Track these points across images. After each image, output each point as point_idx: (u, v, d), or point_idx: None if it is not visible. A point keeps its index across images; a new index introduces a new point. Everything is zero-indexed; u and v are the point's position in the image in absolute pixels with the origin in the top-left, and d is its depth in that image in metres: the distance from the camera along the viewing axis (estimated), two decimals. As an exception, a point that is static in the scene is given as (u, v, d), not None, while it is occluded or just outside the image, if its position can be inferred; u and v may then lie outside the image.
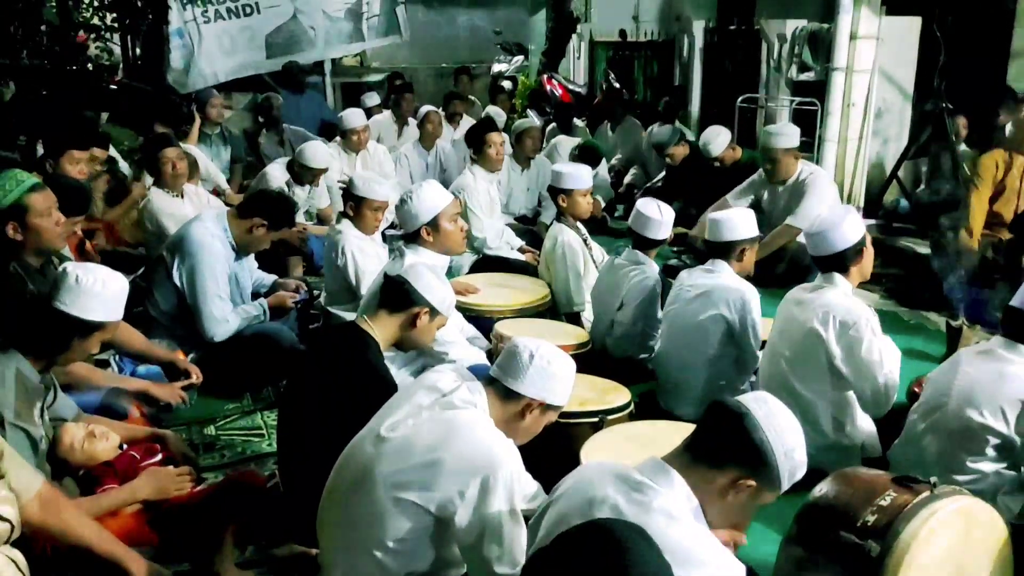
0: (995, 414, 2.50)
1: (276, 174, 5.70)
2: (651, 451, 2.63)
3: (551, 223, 4.60)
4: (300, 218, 5.68)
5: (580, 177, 4.39)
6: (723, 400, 1.81)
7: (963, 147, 6.22)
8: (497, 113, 8.14)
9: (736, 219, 3.52)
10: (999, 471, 2.55)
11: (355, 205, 4.08)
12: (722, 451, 1.72)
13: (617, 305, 3.94)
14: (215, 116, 6.92)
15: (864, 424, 3.14)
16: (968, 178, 5.41)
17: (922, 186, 6.35)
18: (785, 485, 1.76)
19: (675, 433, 2.78)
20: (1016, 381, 2.50)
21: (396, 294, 2.68)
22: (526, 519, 2.01)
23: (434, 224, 3.48)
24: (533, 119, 7.40)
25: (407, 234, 3.54)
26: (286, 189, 5.55)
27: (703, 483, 1.71)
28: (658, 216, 3.85)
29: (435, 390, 2.17)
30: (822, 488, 2.15)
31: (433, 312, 2.69)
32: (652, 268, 3.93)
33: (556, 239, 4.37)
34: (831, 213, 3.21)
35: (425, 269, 2.76)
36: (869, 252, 3.10)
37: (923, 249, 5.68)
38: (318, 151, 5.70)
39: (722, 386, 3.49)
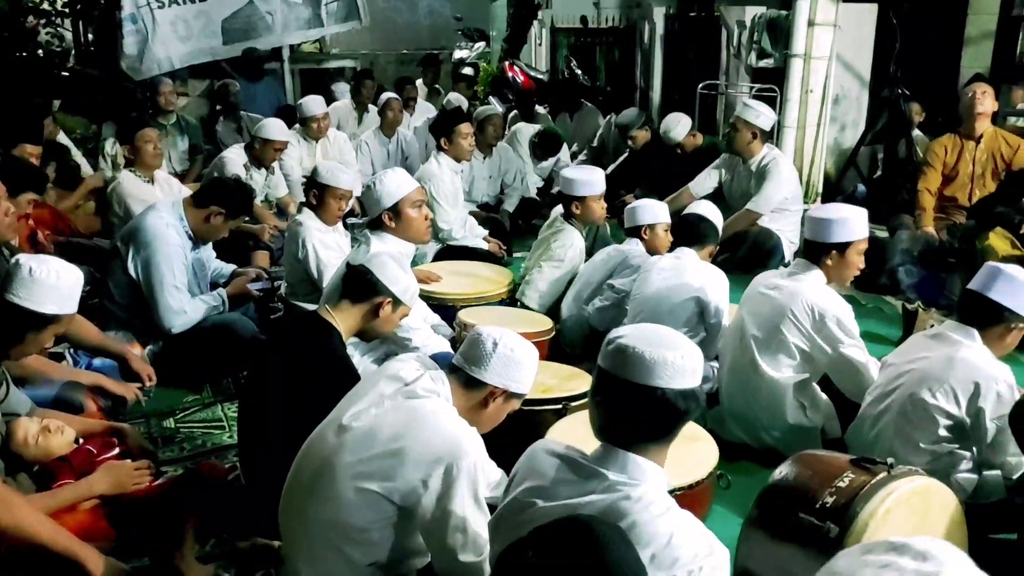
0: (947, 396, 2.55)
1: (233, 158, 5.62)
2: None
3: (556, 220, 4.46)
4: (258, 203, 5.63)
5: (593, 183, 4.29)
6: (619, 378, 1.65)
7: (917, 133, 6.32)
8: (458, 100, 8.10)
9: (712, 212, 3.78)
10: (952, 451, 2.60)
11: (318, 193, 4.02)
12: (663, 429, 1.67)
13: (610, 273, 4.00)
14: (164, 104, 6.75)
15: (824, 406, 3.19)
16: (921, 163, 5.51)
17: (879, 172, 6.44)
18: None
19: (638, 418, 2.81)
20: (967, 364, 2.54)
21: (359, 284, 2.65)
22: (491, 507, 2.01)
23: (395, 210, 3.45)
24: (495, 106, 7.37)
25: (371, 221, 3.51)
26: (244, 173, 5.48)
27: (658, 456, 1.68)
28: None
29: (398, 379, 2.15)
30: (782, 471, 2.18)
31: (396, 302, 2.67)
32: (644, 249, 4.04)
33: (567, 245, 4.27)
34: (843, 206, 3.18)
35: (388, 258, 2.73)
36: (851, 260, 3.07)
37: (881, 234, 5.76)
38: (277, 124, 5.63)
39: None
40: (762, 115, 5.30)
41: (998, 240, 4.41)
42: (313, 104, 6.40)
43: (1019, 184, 4.56)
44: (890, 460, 2.11)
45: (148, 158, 4.68)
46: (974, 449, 2.62)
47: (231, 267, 4.29)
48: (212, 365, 3.81)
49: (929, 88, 6.52)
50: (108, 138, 6.20)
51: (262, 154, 5.59)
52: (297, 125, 6.47)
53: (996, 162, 5.00)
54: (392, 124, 7.00)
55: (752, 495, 2.23)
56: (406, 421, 2.04)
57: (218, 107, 7.51)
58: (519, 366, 2.16)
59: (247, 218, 5.19)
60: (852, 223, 3.06)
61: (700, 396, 1.67)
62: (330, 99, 8.10)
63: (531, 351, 2.20)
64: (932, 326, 3.43)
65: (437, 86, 9.65)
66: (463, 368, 2.16)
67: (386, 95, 7.18)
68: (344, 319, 2.64)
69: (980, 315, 2.59)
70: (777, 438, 3.15)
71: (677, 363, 1.63)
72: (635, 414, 1.64)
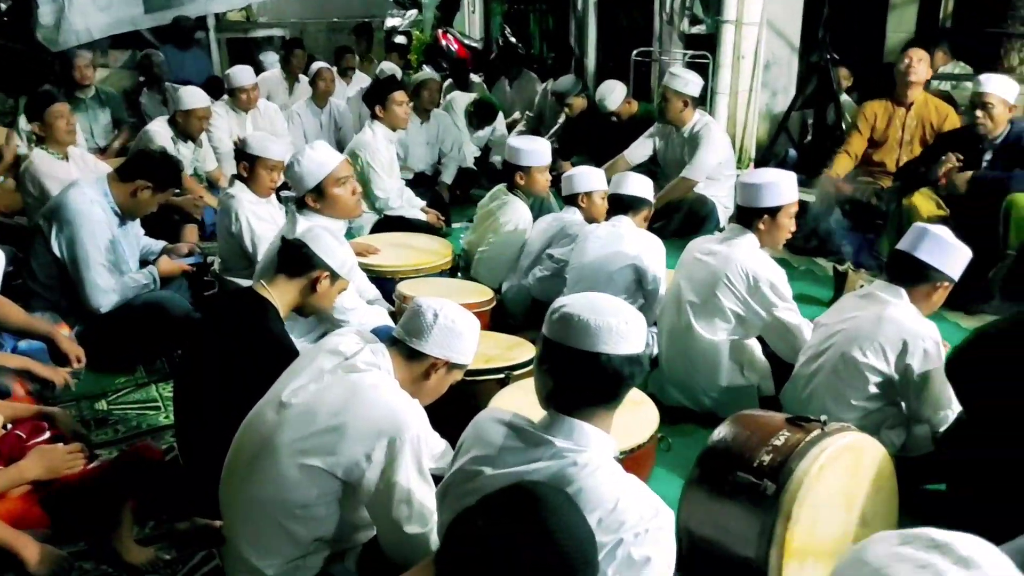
0: (877, 354, 2.63)
1: (159, 130, 5.44)
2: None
3: (499, 192, 4.41)
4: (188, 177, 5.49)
5: (539, 153, 4.25)
6: (565, 346, 1.65)
7: (845, 98, 6.45)
8: (392, 68, 7.97)
9: (639, 179, 3.74)
10: (882, 407, 2.69)
11: (249, 165, 3.92)
12: (609, 395, 1.68)
13: (549, 243, 4.02)
14: (79, 78, 6.41)
15: (761, 365, 3.25)
16: (849, 127, 5.63)
17: (809, 137, 6.56)
18: None
19: (579, 385, 2.84)
20: (895, 322, 2.62)
21: (295, 258, 2.61)
22: (435, 479, 2.01)
23: (319, 190, 3.34)
24: (431, 74, 7.24)
25: (296, 200, 3.43)
26: (171, 146, 5.33)
27: (604, 422, 1.70)
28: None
29: (337, 353, 2.13)
30: (720, 432, 2.22)
31: (334, 276, 2.64)
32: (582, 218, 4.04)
33: (514, 217, 4.23)
34: (771, 171, 3.26)
35: (324, 232, 2.69)
36: (782, 223, 3.11)
37: (812, 198, 5.87)
38: (194, 92, 5.47)
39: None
40: (690, 83, 5.37)
41: (923, 200, 4.54)
42: (242, 74, 6.22)
43: (945, 147, 4.67)
44: (823, 418, 2.16)
45: (60, 134, 4.47)
46: (903, 404, 2.72)
47: (161, 243, 4.17)
48: (144, 345, 3.71)
49: (856, 53, 6.64)
50: (24, 113, 5.95)
51: (187, 126, 5.42)
52: (225, 96, 6.29)
53: (925, 129, 5.09)
54: (324, 94, 6.86)
55: (692, 456, 2.27)
56: (347, 396, 2.02)
57: (142, 79, 7.25)
58: (460, 337, 2.16)
59: (175, 191, 5.06)
60: (782, 187, 3.11)
61: (644, 361, 1.70)
62: (258, 69, 7.90)
63: (472, 322, 2.20)
64: (862, 286, 3.52)
65: (370, 55, 9.48)
66: (404, 340, 2.15)
67: (317, 65, 7.02)
68: (281, 294, 2.60)
69: (908, 274, 2.66)
70: (715, 399, 3.22)
71: (621, 329, 1.64)
72: (581, 381, 1.65)
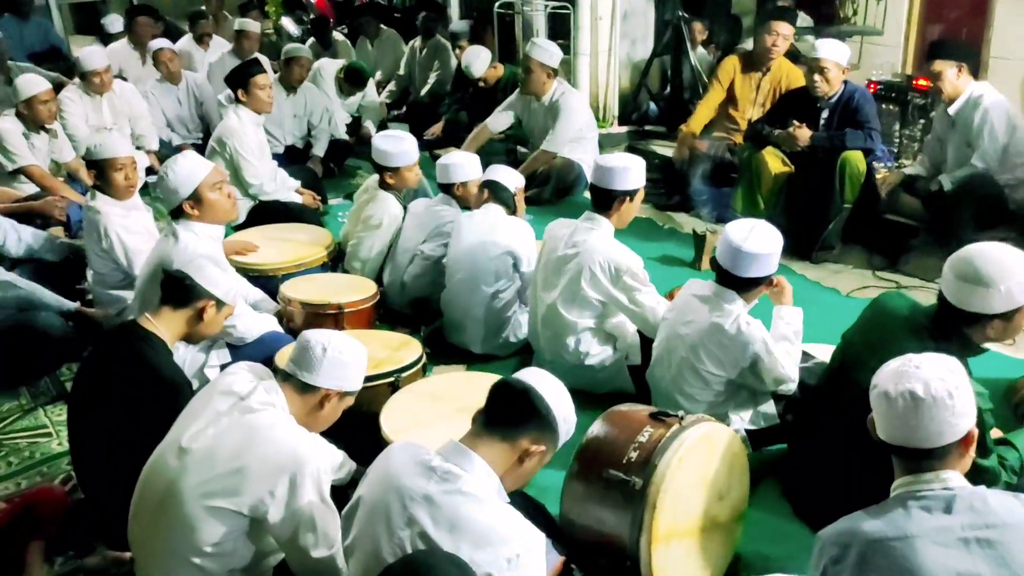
0: (715, 361, 2.85)
1: (9, 127, 5.14)
2: (447, 406, 2.87)
3: (372, 185, 4.46)
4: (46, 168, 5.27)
5: (406, 153, 4.29)
6: (506, 380, 2.02)
7: (701, 51, 6.72)
8: (248, 24, 7.66)
9: (508, 172, 3.96)
10: (728, 396, 2.92)
11: (99, 172, 3.79)
12: (514, 424, 1.92)
13: (423, 239, 4.12)
14: None
15: (631, 340, 3.49)
16: (705, 81, 5.90)
17: (667, 89, 6.83)
18: (561, 443, 2.03)
19: (467, 384, 3.04)
20: (724, 329, 2.80)
21: (178, 290, 2.67)
22: (336, 489, 2.15)
23: (196, 197, 3.31)
24: (304, 47, 6.92)
25: (172, 210, 3.39)
26: (24, 142, 5.10)
27: (500, 456, 1.91)
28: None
29: (231, 394, 2.23)
30: (594, 430, 2.46)
31: (219, 303, 2.71)
32: (457, 210, 4.14)
33: (382, 212, 4.27)
34: (624, 157, 3.44)
35: (206, 261, 2.75)
36: (631, 206, 3.36)
37: (672, 153, 6.16)
38: (29, 79, 5.20)
39: (507, 318, 3.80)
40: (554, 54, 5.57)
41: (771, 158, 4.88)
42: (92, 57, 5.92)
43: (786, 107, 4.99)
44: (681, 412, 2.42)
45: None
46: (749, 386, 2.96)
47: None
48: (22, 366, 3.65)
49: (707, 6, 6.91)
50: None
51: (33, 115, 5.12)
52: (77, 80, 6.01)
53: (777, 93, 5.35)
54: (172, 76, 6.63)
55: (574, 442, 2.43)
56: (244, 438, 2.14)
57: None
58: (349, 366, 2.30)
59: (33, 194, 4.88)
60: (638, 171, 3.34)
61: (557, 445, 2.03)
62: (103, 34, 7.53)
63: (360, 350, 2.34)
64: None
65: (224, 12, 9.13)
66: (296, 375, 2.27)
67: (155, 44, 6.72)
68: (167, 326, 2.66)
69: (732, 283, 2.84)
70: (589, 379, 3.40)
71: (570, 420, 2.02)
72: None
